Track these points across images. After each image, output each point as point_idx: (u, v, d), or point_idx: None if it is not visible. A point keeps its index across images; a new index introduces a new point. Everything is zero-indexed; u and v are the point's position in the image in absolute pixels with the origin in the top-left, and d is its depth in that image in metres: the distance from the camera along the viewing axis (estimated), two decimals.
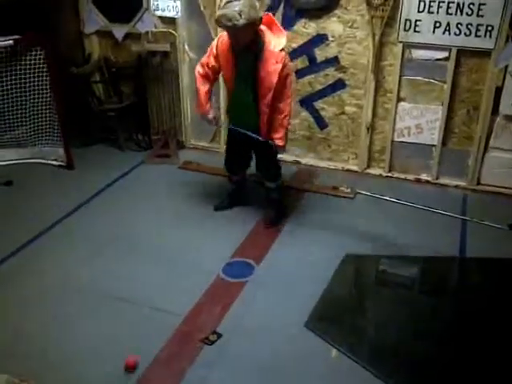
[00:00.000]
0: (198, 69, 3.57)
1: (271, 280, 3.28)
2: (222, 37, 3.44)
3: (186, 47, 4.78)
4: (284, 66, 3.31)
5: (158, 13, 4.70)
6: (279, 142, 3.54)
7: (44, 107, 4.69)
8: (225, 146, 4.14)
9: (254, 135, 3.54)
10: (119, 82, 5.25)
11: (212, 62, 3.47)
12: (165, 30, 4.76)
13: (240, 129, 3.59)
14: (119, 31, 4.95)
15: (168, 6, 4.65)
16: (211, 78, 3.58)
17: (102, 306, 3.06)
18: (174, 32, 4.71)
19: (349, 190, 4.29)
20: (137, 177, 4.63)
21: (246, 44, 3.27)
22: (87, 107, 5.13)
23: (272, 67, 3.27)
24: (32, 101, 4.64)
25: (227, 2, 3.14)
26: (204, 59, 3.55)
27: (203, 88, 3.55)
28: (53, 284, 3.24)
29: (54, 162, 4.78)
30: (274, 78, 3.28)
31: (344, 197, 4.24)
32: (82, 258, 3.49)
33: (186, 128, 5.13)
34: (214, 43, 3.48)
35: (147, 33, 4.81)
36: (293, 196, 4.25)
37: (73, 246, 3.61)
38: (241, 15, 3.05)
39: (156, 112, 5.13)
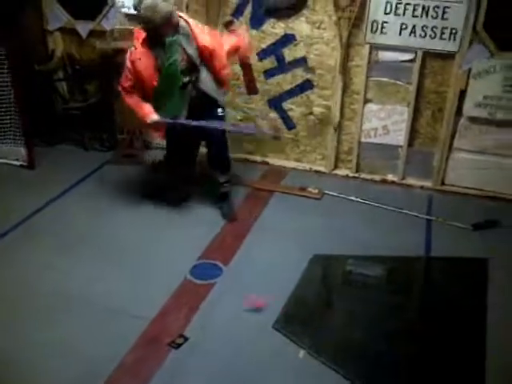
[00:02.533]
0: (123, 91, 3.60)
1: (239, 282, 3.25)
2: (132, 52, 3.47)
3: None
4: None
5: (124, 10, 4.63)
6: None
7: (5, 105, 4.55)
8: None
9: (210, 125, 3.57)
10: (84, 80, 5.12)
11: (130, 80, 3.50)
12: (130, 27, 4.66)
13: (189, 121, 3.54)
14: (84, 28, 4.84)
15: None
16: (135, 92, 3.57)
17: (64, 309, 2.97)
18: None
19: (316, 191, 4.29)
20: (101, 177, 4.53)
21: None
22: (51, 105, 5.02)
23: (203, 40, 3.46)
24: None
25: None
26: (124, 83, 3.55)
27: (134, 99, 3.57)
28: (13, 287, 3.14)
29: (15, 162, 4.64)
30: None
31: (311, 197, 4.23)
32: (44, 260, 3.39)
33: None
34: (128, 64, 3.48)
35: (112, 30, 4.72)
36: (261, 196, 4.23)
37: (35, 248, 3.51)
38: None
39: (121, 111, 5.01)
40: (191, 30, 3.45)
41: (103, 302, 3.03)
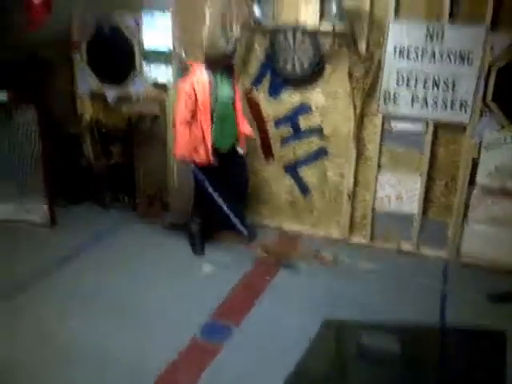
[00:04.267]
0: (182, 123, 4.00)
1: (248, 346, 3.18)
2: (192, 81, 3.97)
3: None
4: None
5: (151, 77, 4.87)
6: (249, 130, 4.29)
7: (32, 163, 4.74)
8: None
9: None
10: (109, 143, 5.33)
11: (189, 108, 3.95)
12: (156, 94, 4.91)
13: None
14: (111, 93, 5.10)
15: (160, 72, 4.82)
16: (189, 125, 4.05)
17: (77, 364, 2.98)
18: (164, 96, 4.85)
19: (330, 258, 4.26)
20: (120, 236, 4.62)
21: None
22: (76, 166, 5.20)
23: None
24: (20, 157, 4.69)
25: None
26: (182, 116, 3.99)
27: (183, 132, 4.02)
28: (29, 343, 3.16)
29: (37, 219, 4.75)
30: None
31: (325, 264, 4.20)
32: (59, 316, 3.43)
33: (171, 191, 5.15)
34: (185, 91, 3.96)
35: (138, 96, 4.97)
36: (275, 260, 4.22)
37: (52, 304, 3.55)
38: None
39: (143, 174, 5.18)
40: (234, 77, 4.17)
41: (112, 357, 3.02)
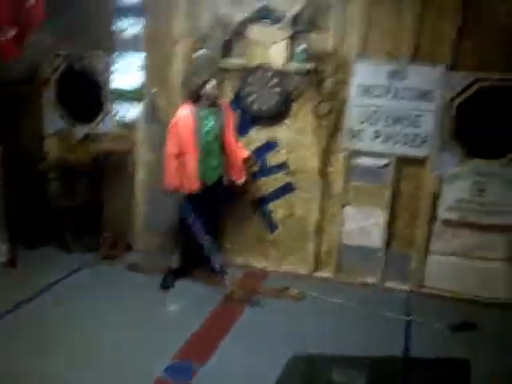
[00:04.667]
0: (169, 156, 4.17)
1: None
2: (177, 118, 4.11)
3: (143, 149, 4.92)
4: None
5: (119, 116, 4.93)
6: (246, 153, 4.41)
7: None
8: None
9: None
10: (75, 181, 5.27)
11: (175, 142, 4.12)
12: (124, 132, 4.95)
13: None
14: (79, 131, 5.11)
15: (128, 110, 4.89)
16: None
17: None
18: (131, 133, 4.90)
19: (296, 292, 4.26)
20: (81, 278, 4.51)
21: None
22: (40, 206, 5.08)
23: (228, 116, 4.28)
24: None
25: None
26: (171, 149, 4.14)
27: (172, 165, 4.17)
28: None
29: None
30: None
31: (292, 299, 4.20)
32: (18, 359, 3.27)
33: (136, 230, 5.09)
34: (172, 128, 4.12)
35: (107, 134, 4.99)
36: (241, 297, 4.16)
37: (10, 347, 3.39)
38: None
39: (108, 212, 5.12)
40: (225, 107, 4.29)
41: None
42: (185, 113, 4.11)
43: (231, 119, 4.32)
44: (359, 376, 3.35)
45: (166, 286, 4.34)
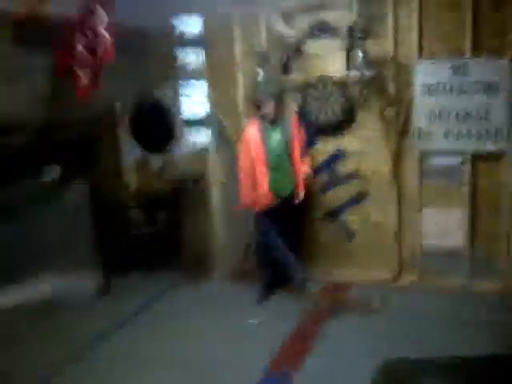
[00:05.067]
0: (242, 170, 4.36)
1: None
2: (246, 134, 4.33)
3: (217, 171, 5.09)
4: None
5: (191, 141, 5.13)
6: (307, 169, 4.44)
7: (83, 236, 4.92)
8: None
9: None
10: (155, 209, 5.55)
11: (247, 157, 4.29)
12: (197, 158, 5.15)
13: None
14: (155, 161, 5.39)
15: (199, 135, 5.09)
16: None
17: None
18: (204, 156, 5.09)
19: (380, 302, 4.19)
20: (170, 300, 4.72)
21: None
22: (124, 233, 5.39)
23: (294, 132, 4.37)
24: (73, 231, 4.90)
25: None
26: (242, 162, 4.33)
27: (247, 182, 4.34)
28: None
29: (92, 290, 4.87)
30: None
31: (376, 308, 4.15)
32: (122, 377, 3.51)
33: (217, 250, 5.24)
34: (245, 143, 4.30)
35: (181, 161, 5.22)
36: (325, 308, 4.21)
37: (114, 367, 3.64)
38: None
39: (189, 235, 5.32)
40: (292, 121, 4.37)
41: None
42: (252, 129, 4.29)
43: (298, 134, 4.37)
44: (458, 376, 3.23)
45: (262, 299, 4.45)
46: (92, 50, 4.16)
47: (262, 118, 4.28)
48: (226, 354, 3.66)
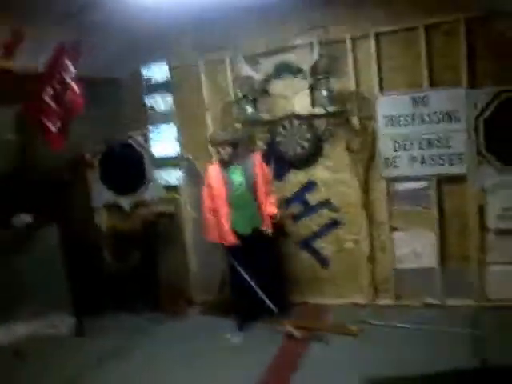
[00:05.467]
0: (206, 209, 4.52)
1: None
2: (208, 174, 4.48)
3: (189, 208, 5.18)
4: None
5: (162, 182, 5.20)
6: (274, 210, 4.46)
7: (56, 278, 4.88)
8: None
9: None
10: (127, 248, 5.52)
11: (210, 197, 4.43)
12: (168, 195, 5.20)
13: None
14: (126, 202, 5.39)
15: (170, 175, 5.16)
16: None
17: None
18: (176, 196, 5.15)
19: (355, 328, 4.26)
20: (148, 336, 4.70)
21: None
22: (97, 274, 5.33)
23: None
24: (44, 273, 4.83)
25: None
26: (206, 202, 4.48)
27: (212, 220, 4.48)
28: None
29: (65, 332, 4.82)
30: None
31: (354, 331, 4.24)
32: None
33: (192, 284, 5.30)
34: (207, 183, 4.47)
35: (152, 200, 5.25)
36: (303, 335, 4.26)
37: None
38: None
39: (163, 271, 5.32)
40: (255, 160, 4.47)
41: None
42: (213, 171, 4.46)
43: (262, 172, 4.47)
44: None
45: (240, 329, 4.54)
46: (60, 101, 4.18)
47: (222, 160, 4.41)
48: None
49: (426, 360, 3.65)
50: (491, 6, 3.67)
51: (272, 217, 4.46)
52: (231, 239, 4.38)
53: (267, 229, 4.43)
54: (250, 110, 4.61)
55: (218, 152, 4.42)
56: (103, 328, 4.92)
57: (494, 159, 4.15)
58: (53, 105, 4.15)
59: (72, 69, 4.08)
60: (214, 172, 4.46)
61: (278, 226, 4.74)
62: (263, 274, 4.41)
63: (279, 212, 4.53)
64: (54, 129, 4.22)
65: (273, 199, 4.52)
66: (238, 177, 4.41)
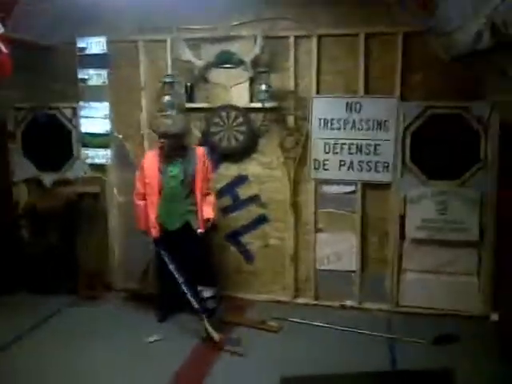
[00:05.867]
0: (136, 196, 4.32)
1: None
2: (144, 160, 4.26)
3: (115, 191, 5.00)
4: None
5: (89, 160, 4.98)
6: (210, 214, 4.25)
7: None
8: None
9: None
10: (46, 227, 5.27)
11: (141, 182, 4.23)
12: (95, 175, 5.01)
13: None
14: (48, 178, 5.13)
15: (98, 154, 4.95)
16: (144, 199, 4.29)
17: None
18: (103, 176, 4.97)
19: (276, 324, 4.30)
20: (60, 320, 4.53)
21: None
22: (13, 253, 5.06)
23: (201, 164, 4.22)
24: None
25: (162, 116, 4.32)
26: (137, 189, 4.28)
27: (140, 206, 4.29)
28: None
29: None
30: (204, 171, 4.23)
31: (272, 329, 4.27)
32: None
33: (113, 270, 5.15)
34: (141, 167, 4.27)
35: (77, 178, 5.05)
36: (225, 329, 4.24)
37: None
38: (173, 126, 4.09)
39: (84, 254, 5.13)
40: (197, 154, 4.23)
41: None
42: (151, 158, 4.23)
43: (203, 169, 4.23)
44: None
45: (160, 319, 4.43)
46: None
47: (162, 149, 4.17)
48: (120, 376, 3.58)
49: (339, 359, 3.74)
50: (428, 22, 3.78)
51: (207, 220, 4.25)
52: (155, 232, 4.21)
53: (198, 228, 4.20)
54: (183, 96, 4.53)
55: (161, 141, 4.12)
56: (15, 307, 4.71)
57: (418, 171, 4.31)
58: None
59: (0, 28, 3.81)
60: (150, 158, 4.23)
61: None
62: (190, 265, 4.25)
63: (215, 216, 4.32)
64: None
65: (211, 199, 4.31)
66: (175, 169, 4.16)
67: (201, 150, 4.31)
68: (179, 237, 4.22)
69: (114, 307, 4.80)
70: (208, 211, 4.25)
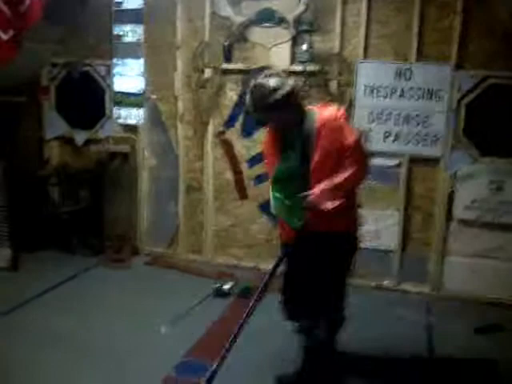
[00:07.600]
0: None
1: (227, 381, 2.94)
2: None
3: (146, 153, 4.84)
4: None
5: (120, 121, 4.83)
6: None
7: None
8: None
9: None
10: (77, 186, 5.19)
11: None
12: (126, 135, 4.87)
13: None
14: (80, 137, 5.01)
15: (130, 114, 4.79)
16: None
17: None
18: (134, 136, 4.82)
19: None
20: (86, 280, 4.47)
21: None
22: (42, 211, 5.01)
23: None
24: None
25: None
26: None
27: None
28: None
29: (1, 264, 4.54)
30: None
31: None
32: (18, 357, 3.22)
33: (141, 233, 5.04)
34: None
35: (108, 137, 4.91)
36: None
37: (10, 345, 3.34)
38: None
39: (112, 216, 5.04)
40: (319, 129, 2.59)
41: None
42: (268, 134, 2.86)
43: (321, 146, 2.57)
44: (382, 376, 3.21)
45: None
46: (15, 6, 3.74)
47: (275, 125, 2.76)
48: (141, 342, 3.46)
49: (374, 341, 3.50)
50: None
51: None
52: (286, 232, 2.81)
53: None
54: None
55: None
56: (40, 265, 4.67)
57: (471, 146, 3.96)
58: (6, 11, 3.71)
59: None
60: (269, 134, 2.84)
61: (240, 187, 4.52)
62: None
63: None
64: (4, 37, 3.78)
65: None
66: (292, 155, 2.68)
67: (322, 121, 2.61)
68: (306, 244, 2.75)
69: (140, 270, 4.71)
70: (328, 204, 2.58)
